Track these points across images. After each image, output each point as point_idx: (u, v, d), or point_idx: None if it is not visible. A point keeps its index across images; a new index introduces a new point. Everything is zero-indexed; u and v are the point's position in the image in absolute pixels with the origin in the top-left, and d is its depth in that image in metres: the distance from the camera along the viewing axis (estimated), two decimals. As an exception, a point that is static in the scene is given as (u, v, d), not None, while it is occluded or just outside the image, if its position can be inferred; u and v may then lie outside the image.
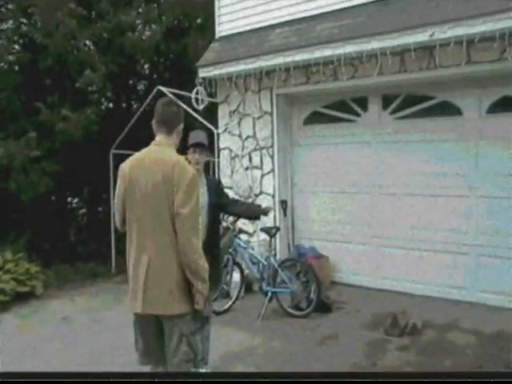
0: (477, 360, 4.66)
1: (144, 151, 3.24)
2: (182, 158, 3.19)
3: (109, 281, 8.30)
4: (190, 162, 4.01)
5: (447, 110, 6.50)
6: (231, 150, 8.05)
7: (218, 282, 4.38)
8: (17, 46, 9.38)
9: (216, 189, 4.45)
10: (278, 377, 4.28)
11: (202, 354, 4.16)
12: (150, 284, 3.06)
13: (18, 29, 9.12)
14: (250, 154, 7.83)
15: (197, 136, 4.36)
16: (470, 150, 6.30)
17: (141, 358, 3.31)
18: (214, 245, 4.26)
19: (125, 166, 3.23)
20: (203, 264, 3.04)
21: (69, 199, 10.76)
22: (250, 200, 7.66)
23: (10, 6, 9.08)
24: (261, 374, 4.38)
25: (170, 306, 3.06)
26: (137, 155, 3.25)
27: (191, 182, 3.04)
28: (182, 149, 3.75)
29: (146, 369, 3.37)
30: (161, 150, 3.19)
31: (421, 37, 5.90)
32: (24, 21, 9.26)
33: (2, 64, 8.99)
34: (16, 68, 9.26)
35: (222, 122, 8.22)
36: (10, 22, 9.11)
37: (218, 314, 5.97)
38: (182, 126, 3.33)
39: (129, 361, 4.53)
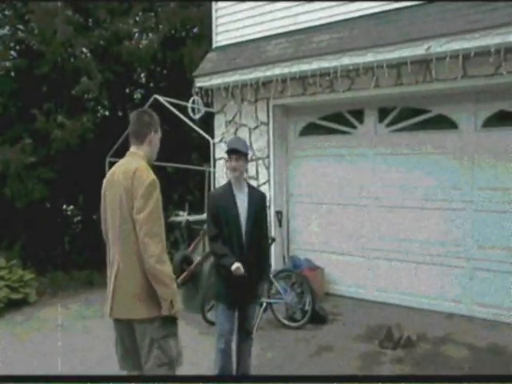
0: (471, 374, 4.66)
1: (117, 164, 3.38)
2: (142, 165, 3.22)
3: (104, 289, 8.21)
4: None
5: (443, 123, 6.53)
6: (227, 160, 8.04)
7: (220, 294, 4.25)
8: (13, 53, 9.36)
9: (261, 202, 4.31)
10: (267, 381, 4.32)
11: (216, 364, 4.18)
12: (117, 290, 3.19)
13: (15, 35, 9.11)
14: (245, 164, 7.83)
15: (233, 142, 4.33)
16: (466, 164, 6.34)
17: (119, 363, 3.40)
18: (250, 260, 4.11)
19: (104, 180, 3.39)
20: (162, 268, 3.06)
21: (64, 206, 10.70)
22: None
23: (6, 12, 9.06)
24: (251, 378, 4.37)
25: (136, 310, 3.14)
26: (112, 168, 3.40)
27: (148, 187, 3.09)
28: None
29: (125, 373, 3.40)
30: (129, 161, 3.29)
31: (417, 50, 5.94)
32: (21, 27, 9.25)
33: (-1, 70, 8.97)
34: (12, 74, 9.24)
35: (218, 132, 8.24)
36: (7, 28, 9.09)
37: (212, 323, 5.95)
38: (155, 134, 3.39)
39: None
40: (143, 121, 3.37)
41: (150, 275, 3.07)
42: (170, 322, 3.19)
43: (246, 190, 4.22)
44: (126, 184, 3.14)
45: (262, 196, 4.41)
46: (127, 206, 3.12)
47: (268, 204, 7.59)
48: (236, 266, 3.96)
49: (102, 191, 3.38)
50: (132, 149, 3.37)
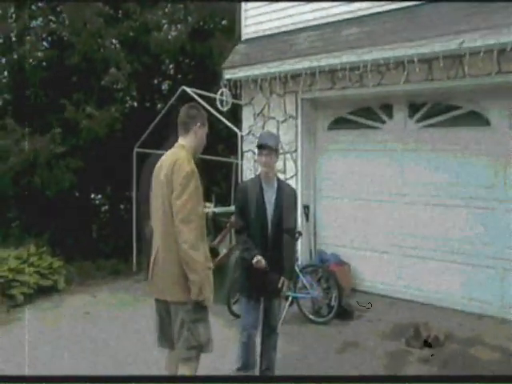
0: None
1: (165, 154, 3.60)
2: (182, 156, 3.42)
3: (129, 278, 8.37)
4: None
5: (475, 120, 6.42)
6: (254, 153, 8.04)
7: (244, 287, 4.30)
8: (45, 43, 9.48)
9: (291, 198, 4.27)
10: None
11: (253, 359, 4.27)
12: (156, 271, 3.45)
13: (47, 26, 9.21)
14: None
15: (264, 137, 4.30)
16: (498, 162, 6.21)
17: (157, 341, 3.61)
18: (275, 255, 4.12)
19: (155, 169, 3.61)
20: (194, 255, 3.21)
21: (92, 196, 10.86)
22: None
23: (40, 4, 9.16)
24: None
25: (171, 292, 3.35)
26: (161, 158, 3.62)
27: (185, 177, 3.29)
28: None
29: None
30: (174, 151, 3.53)
31: (450, 45, 5.81)
32: (52, 18, 9.37)
33: (31, 60, 9.08)
34: (44, 64, 9.36)
35: (245, 125, 8.22)
36: (40, 19, 9.20)
37: (237, 316, 5.99)
38: (201, 127, 3.59)
39: (143, 360, 4.64)
40: (189, 113, 3.59)
41: (182, 260, 3.24)
42: (200, 307, 3.33)
43: (275, 184, 4.22)
44: (167, 173, 3.35)
45: (292, 192, 4.37)
46: (168, 194, 3.32)
47: (295, 198, 7.57)
48: (257, 259, 3.99)
49: (152, 179, 3.60)
50: (179, 140, 3.60)
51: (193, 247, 3.21)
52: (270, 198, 4.17)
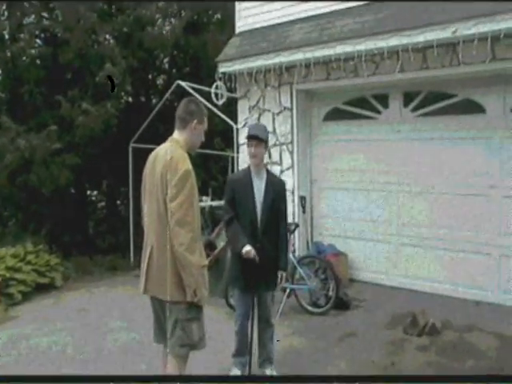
0: (498, 363, 4.60)
1: (158, 148, 3.48)
2: (178, 153, 3.32)
3: (127, 274, 8.35)
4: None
5: (470, 107, 6.41)
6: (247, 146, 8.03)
7: (235, 278, 4.34)
8: (38, 41, 9.45)
9: (280, 190, 4.30)
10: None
11: (243, 347, 4.32)
12: (150, 270, 3.37)
13: (40, 23, 9.16)
14: (269, 149, 7.80)
15: (253, 128, 4.33)
16: (493, 149, 6.21)
17: (154, 337, 3.60)
18: (265, 247, 4.14)
19: (146, 163, 3.51)
20: (190, 257, 3.16)
21: (88, 192, 10.85)
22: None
23: (33, 1, 9.12)
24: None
25: (165, 292, 3.27)
26: (154, 151, 3.51)
27: (181, 177, 3.18)
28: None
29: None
30: (168, 146, 3.41)
31: (443, 33, 5.81)
32: (45, 15, 9.32)
33: (25, 58, 9.05)
34: (38, 62, 9.33)
35: (241, 117, 8.21)
36: (32, 16, 9.15)
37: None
38: (198, 124, 3.48)
39: (139, 355, 4.64)
40: (188, 108, 3.49)
41: (178, 261, 3.19)
42: (195, 307, 3.30)
43: (264, 176, 4.24)
44: (162, 171, 3.25)
45: (281, 184, 4.41)
46: (162, 192, 3.24)
47: (291, 189, 7.57)
48: (246, 249, 4.00)
49: (144, 173, 3.52)
50: (174, 134, 3.49)
51: (188, 250, 3.15)
52: (259, 189, 4.19)
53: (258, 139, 4.13)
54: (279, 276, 4.24)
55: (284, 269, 4.31)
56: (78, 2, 8.65)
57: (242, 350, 4.36)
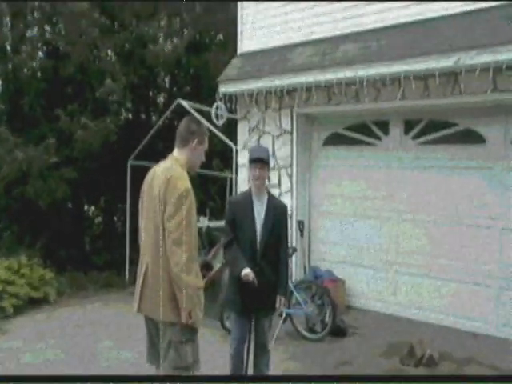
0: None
1: (157, 165, 3.46)
2: (177, 172, 3.28)
3: (122, 291, 8.27)
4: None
5: (470, 137, 6.41)
6: (250, 169, 8.00)
7: (232, 301, 4.28)
8: (40, 53, 9.45)
9: (281, 213, 4.24)
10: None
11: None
12: (145, 289, 3.33)
13: (43, 36, 9.20)
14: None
15: (256, 151, 4.31)
16: (494, 179, 6.21)
17: (147, 356, 3.51)
18: (264, 270, 4.11)
19: (145, 179, 3.49)
20: (186, 278, 3.10)
21: (85, 207, 10.78)
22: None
23: (35, 15, 9.14)
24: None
25: (159, 312, 3.21)
26: (152, 168, 3.49)
27: (180, 196, 3.13)
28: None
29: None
30: (168, 163, 3.38)
31: (446, 62, 5.84)
32: (48, 29, 9.35)
33: (26, 70, 9.05)
34: (39, 74, 9.32)
35: (241, 139, 8.19)
36: (35, 29, 9.18)
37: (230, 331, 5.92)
38: (199, 145, 3.45)
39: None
40: (190, 127, 3.46)
41: (174, 283, 3.14)
42: (190, 329, 3.24)
43: (265, 198, 4.21)
44: (160, 189, 3.21)
45: (283, 207, 4.35)
46: (160, 211, 3.19)
47: (290, 213, 7.53)
48: (245, 272, 3.96)
49: (142, 190, 3.49)
50: (174, 152, 3.45)
51: (184, 270, 3.09)
52: (259, 212, 4.16)
53: (262, 162, 4.11)
54: (278, 301, 4.19)
55: (283, 293, 4.26)
56: (81, 17, 8.67)
57: (238, 374, 4.28)
